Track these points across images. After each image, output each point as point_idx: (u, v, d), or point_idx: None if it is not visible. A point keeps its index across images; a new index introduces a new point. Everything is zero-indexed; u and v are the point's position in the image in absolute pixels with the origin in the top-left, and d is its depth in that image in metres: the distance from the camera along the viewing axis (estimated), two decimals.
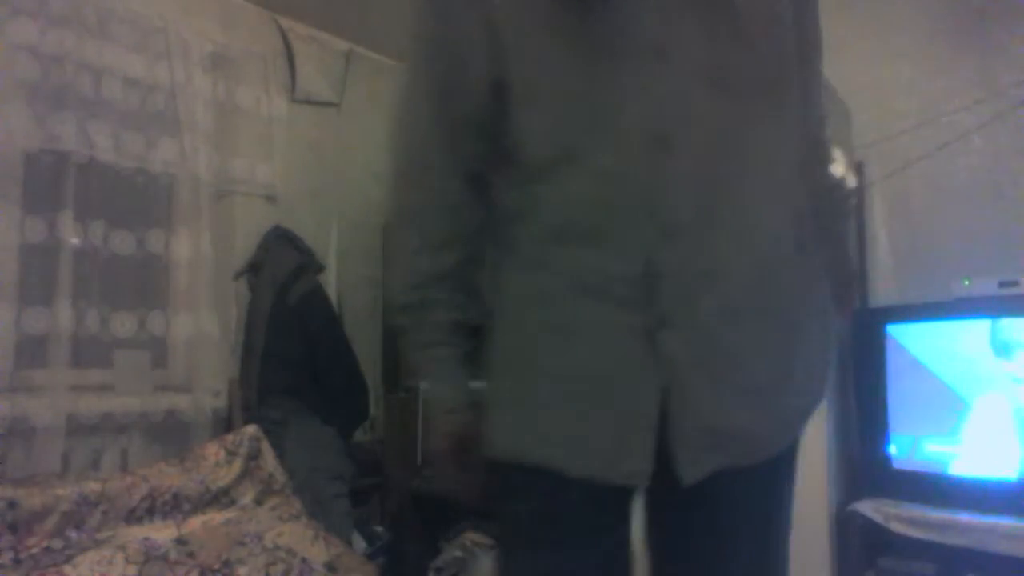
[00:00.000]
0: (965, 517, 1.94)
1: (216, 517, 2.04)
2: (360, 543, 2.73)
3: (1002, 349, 2.01)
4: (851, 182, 1.09)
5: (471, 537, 2.58)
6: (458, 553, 2.57)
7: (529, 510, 0.92)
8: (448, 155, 0.95)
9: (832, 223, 1.07)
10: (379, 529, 2.92)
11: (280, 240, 2.82)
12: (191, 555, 1.85)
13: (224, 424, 2.78)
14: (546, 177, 0.87)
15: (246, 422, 2.52)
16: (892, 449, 2.16)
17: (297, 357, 2.66)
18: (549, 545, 0.91)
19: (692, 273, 0.83)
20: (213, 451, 2.23)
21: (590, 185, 0.85)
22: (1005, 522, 1.87)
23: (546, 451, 0.88)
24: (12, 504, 1.75)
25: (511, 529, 0.97)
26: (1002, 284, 2.12)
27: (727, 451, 0.86)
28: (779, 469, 0.95)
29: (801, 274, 0.92)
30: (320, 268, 2.91)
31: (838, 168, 1.14)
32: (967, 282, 2.17)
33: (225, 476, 2.16)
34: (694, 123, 0.83)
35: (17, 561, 1.69)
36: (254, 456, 2.26)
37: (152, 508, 1.97)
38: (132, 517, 1.93)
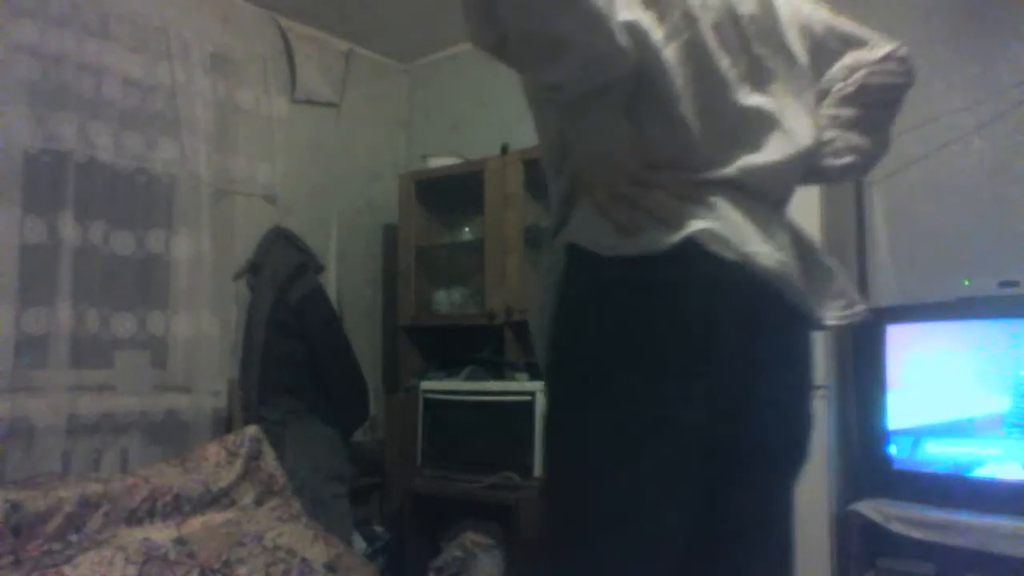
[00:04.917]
0: (965, 517, 1.93)
1: (216, 517, 2.04)
2: (360, 543, 2.73)
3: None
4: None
5: (471, 537, 2.58)
6: (458, 553, 2.57)
7: None
8: None
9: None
10: (379, 529, 2.92)
11: (280, 240, 2.81)
12: (191, 555, 1.84)
13: (224, 424, 2.78)
14: None
15: (246, 422, 2.52)
16: (892, 449, 2.16)
17: (297, 357, 2.66)
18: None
19: None
20: (214, 451, 2.23)
21: None
22: (1005, 522, 1.87)
23: None
24: (16, 506, 1.75)
25: None
26: (1002, 284, 2.12)
27: None
28: None
29: None
30: (320, 268, 2.91)
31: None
32: (967, 282, 2.18)
33: (226, 477, 2.16)
34: None
35: (17, 562, 1.69)
36: (255, 456, 2.26)
37: (153, 509, 1.97)
38: (133, 518, 1.93)
